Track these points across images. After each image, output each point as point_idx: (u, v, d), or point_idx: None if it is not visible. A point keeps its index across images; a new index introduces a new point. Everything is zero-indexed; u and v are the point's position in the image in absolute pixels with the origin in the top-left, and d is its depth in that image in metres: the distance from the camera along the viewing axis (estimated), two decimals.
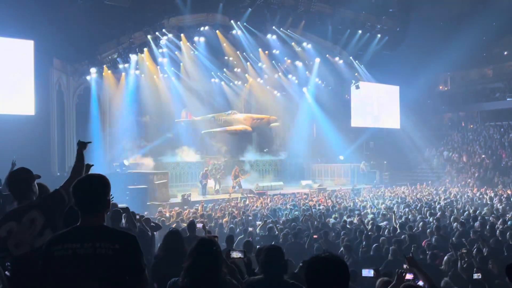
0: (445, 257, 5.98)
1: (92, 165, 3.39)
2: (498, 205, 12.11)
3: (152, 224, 6.84)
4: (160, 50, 18.59)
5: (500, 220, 8.96)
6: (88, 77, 18.57)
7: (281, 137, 24.74)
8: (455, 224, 8.63)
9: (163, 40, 17.93)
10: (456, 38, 23.84)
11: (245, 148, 21.75)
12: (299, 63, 22.74)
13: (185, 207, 13.12)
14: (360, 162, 23.01)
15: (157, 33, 17.39)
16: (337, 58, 22.62)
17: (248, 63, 21.73)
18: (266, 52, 21.15)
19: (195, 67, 20.32)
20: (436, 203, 12.75)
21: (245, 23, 18.38)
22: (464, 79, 31.55)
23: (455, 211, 10.80)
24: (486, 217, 9.44)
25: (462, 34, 23.19)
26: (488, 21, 23.51)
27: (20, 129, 14.70)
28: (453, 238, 7.60)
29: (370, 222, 9.23)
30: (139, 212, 7.49)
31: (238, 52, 20.57)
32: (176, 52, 19.14)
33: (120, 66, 18.44)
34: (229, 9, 17.68)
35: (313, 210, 11.08)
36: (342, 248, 6.66)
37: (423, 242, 7.29)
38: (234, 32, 18.77)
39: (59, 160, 17.62)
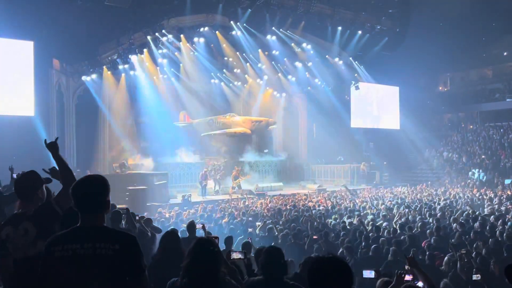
0: (445, 258, 5.98)
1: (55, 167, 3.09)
2: (498, 205, 12.10)
3: (153, 225, 6.85)
4: (160, 51, 18.56)
5: (500, 220, 8.96)
6: (88, 78, 18.54)
7: (280, 138, 24.72)
8: (454, 224, 8.63)
9: (163, 41, 17.92)
10: (456, 38, 23.86)
11: (245, 148, 21.73)
12: (298, 64, 22.72)
13: (185, 207, 13.12)
14: (360, 163, 23.02)
15: (156, 34, 17.39)
16: (336, 59, 22.62)
17: (247, 64, 21.71)
18: (266, 52, 21.14)
19: (195, 68, 20.30)
20: (436, 203, 12.74)
21: (244, 24, 18.41)
22: (464, 80, 31.59)
23: (455, 211, 10.80)
24: (486, 218, 9.43)
25: (462, 34, 23.19)
26: (488, 22, 23.53)
27: (20, 130, 14.70)
28: (453, 240, 7.59)
29: (370, 222, 9.23)
30: (138, 213, 7.49)
31: (237, 53, 20.56)
32: (176, 53, 19.13)
33: (120, 67, 18.42)
34: (228, 10, 17.67)
35: (313, 211, 11.07)
36: (342, 249, 6.64)
37: (423, 243, 7.29)
38: (233, 33, 18.80)
39: None
